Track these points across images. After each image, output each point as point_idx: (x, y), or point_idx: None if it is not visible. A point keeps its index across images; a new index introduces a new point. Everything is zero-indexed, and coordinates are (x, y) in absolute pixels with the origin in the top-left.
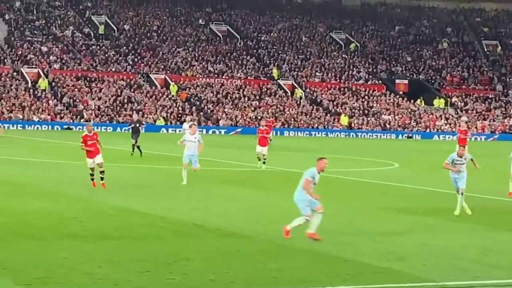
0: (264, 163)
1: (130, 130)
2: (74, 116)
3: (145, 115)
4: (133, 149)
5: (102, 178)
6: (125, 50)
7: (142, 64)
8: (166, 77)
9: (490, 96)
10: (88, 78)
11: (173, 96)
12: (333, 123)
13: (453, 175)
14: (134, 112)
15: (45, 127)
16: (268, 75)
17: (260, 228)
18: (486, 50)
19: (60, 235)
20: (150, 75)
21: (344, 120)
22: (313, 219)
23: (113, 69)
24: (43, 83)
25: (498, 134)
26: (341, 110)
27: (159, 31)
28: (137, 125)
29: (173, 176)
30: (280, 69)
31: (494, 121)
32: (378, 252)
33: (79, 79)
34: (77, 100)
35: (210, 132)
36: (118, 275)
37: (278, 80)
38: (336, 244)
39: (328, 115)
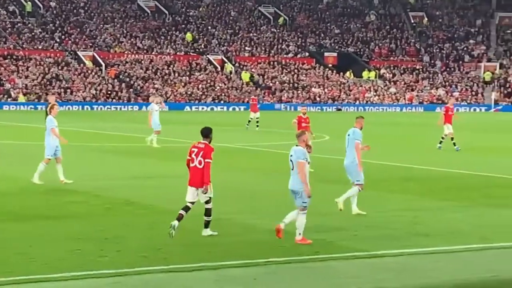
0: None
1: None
2: (1, 96)
3: (74, 93)
4: None
5: None
6: (52, 28)
7: (70, 42)
8: (95, 54)
9: (418, 67)
10: (14, 57)
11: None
12: (264, 96)
13: None
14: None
15: None
16: (197, 50)
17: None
18: (412, 21)
19: None
20: (78, 52)
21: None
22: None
23: (40, 47)
24: None
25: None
26: (271, 84)
27: (86, 8)
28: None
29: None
30: (209, 43)
31: (422, 91)
32: (309, 224)
33: (5, 57)
34: (4, 79)
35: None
36: (49, 254)
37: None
38: (266, 218)
39: (259, 89)
